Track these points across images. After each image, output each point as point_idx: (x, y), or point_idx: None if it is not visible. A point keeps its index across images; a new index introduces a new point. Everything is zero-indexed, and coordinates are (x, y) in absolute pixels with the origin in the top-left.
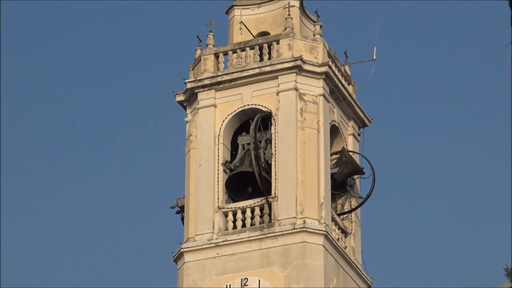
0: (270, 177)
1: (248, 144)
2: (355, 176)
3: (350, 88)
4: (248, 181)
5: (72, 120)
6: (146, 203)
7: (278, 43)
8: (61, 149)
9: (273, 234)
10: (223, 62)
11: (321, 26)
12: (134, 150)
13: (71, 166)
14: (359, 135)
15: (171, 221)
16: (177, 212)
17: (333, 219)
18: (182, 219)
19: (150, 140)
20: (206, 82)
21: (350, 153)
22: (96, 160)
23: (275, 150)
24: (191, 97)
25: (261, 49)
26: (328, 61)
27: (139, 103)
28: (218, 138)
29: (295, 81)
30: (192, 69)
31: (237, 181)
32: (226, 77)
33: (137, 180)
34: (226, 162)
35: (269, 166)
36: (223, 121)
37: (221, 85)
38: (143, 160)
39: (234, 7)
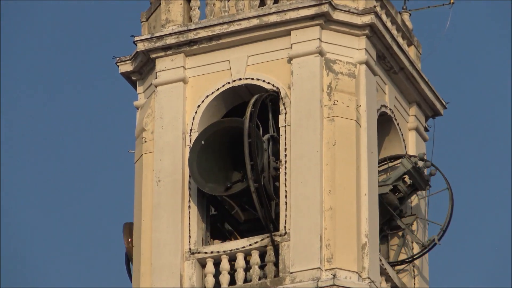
0: (277, 201)
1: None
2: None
3: (411, 52)
4: (242, 207)
5: None
6: (69, 245)
7: None
8: None
9: None
10: (198, 8)
11: None
12: (51, 154)
13: None
14: (426, 129)
15: (112, 272)
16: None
17: (382, 272)
18: (129, 270)
19: (76, 138)
20: (170, 40)
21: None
22: None
23: (285, 156)
24: (145, 66)
25: None
26: (374, 6)
27: (58, 76)
28: (191, 135)
29: (319, 39)
30: (147, 20)
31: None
32: (203, 33)
33: (52, 204)
34: None
35: (275, 181)
36: (199, 106)
37: (194, 47)
38: (64, 172)
39: None
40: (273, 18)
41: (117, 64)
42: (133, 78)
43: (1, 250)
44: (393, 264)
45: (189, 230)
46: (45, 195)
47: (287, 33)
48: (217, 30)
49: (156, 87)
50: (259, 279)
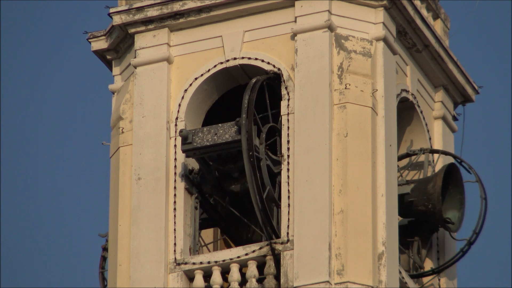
0: (278, 203)
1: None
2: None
3: (437, 26)
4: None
5: None
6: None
7: None
8: None
9: None
10: None
11: None
12: (10, 147)
13: None
14: (455, 118)
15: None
16: (104, 248)
17: (402, 286)
18: (104, 280)
19: (39, 128)
20: (152, 13)
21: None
22: None
23: (288, 149)
24: (122, 43)
25: None
26: None
27: (19, 52)
28: (176, 126)
29: (329, 11)
30: None
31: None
32: (191, 4)
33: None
34: (192, 172)
35: (274, 179)
36: (186, 90)
37: (181, 20)
38: (24, 167)
39: None
40: None
41: (89, 40)
42: (108, 57)
43: (1, 250)
44: (415, 277)
45: (175, 237)
46: None
47: (291, 4)
48: (207, 0)
49: (136, 67)
50: None
